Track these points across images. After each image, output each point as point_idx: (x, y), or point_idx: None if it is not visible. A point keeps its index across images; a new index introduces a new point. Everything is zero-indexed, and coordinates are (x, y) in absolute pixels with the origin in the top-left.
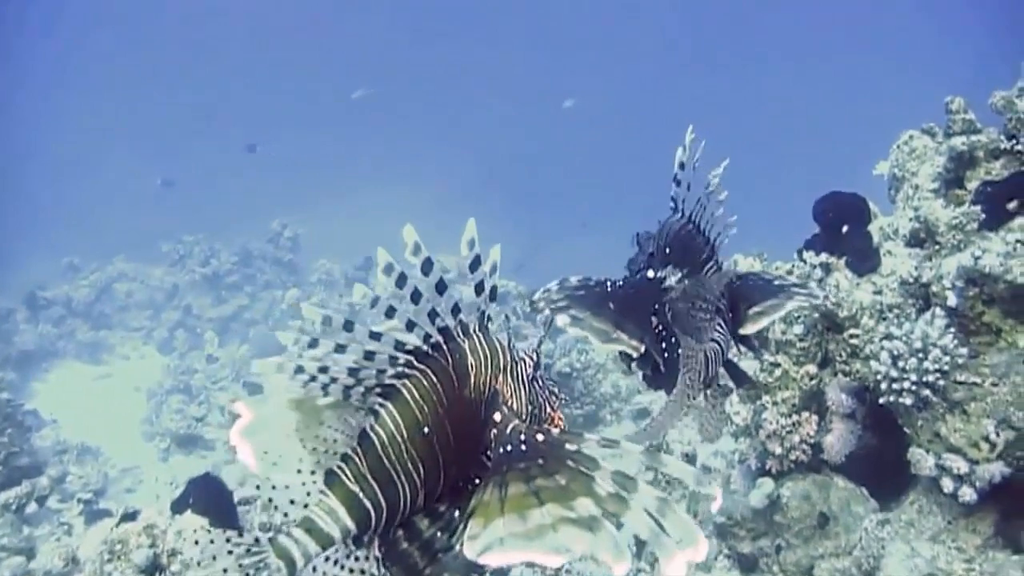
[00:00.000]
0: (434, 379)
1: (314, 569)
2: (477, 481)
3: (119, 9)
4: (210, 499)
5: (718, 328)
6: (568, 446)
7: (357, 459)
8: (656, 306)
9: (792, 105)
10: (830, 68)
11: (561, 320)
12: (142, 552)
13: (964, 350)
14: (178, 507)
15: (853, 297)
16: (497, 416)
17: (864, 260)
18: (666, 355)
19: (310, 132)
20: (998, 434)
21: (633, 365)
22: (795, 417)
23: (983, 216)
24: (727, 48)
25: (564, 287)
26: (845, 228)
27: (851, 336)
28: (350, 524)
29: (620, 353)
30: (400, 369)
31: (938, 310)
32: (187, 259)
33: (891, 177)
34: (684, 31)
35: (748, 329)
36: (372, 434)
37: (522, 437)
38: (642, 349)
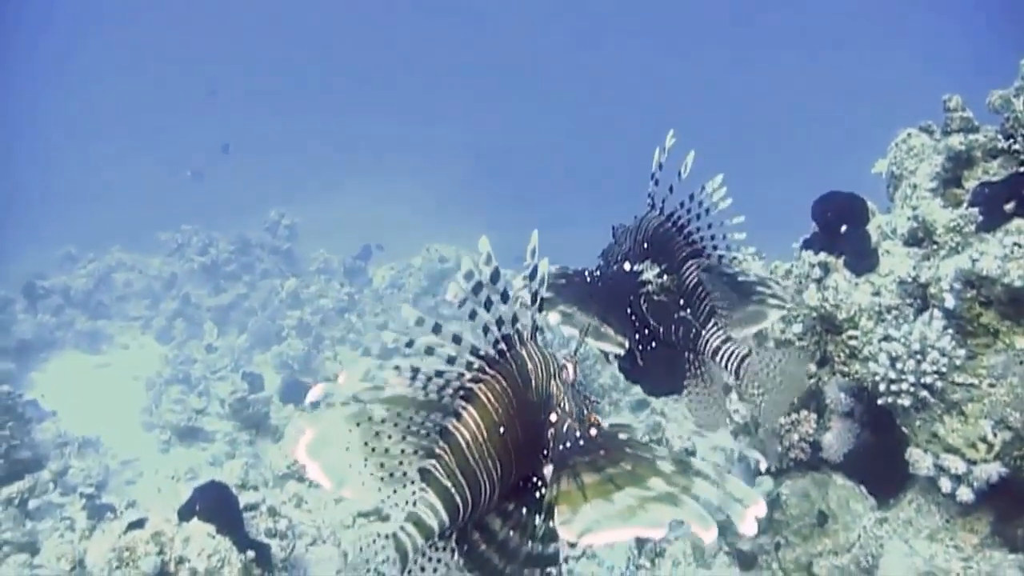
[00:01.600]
0: (504, 383)
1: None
2: (534, 479)
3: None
4: (216, 506)
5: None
6: (621, 436)
7: (447, 457)
8: (632, 298)
9: (790, 101)
10: (828, 64)
11: (552, 318)
12: (150, 560)
13: (962, 352)
14: (185, 514)
15: (852, 299)
16: (553, 417)
17: (862, 260)
18: (643, 348)
19: (306, 121)
20: (995, 435)
21: (611, 357)
22: (794, 416)
23: (980, 218)
24: (726, 43)
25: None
26: (844, 228)
27: (849, 338)
28: (445, 518)
29: None
30: (476, 373)
31: (936, 312)
32: (185, 248)
33: (889, 175)
34: (684, 23)
35: (735, 334)
36: (457, 434)
37: (578, 434)
38: (627, 345)
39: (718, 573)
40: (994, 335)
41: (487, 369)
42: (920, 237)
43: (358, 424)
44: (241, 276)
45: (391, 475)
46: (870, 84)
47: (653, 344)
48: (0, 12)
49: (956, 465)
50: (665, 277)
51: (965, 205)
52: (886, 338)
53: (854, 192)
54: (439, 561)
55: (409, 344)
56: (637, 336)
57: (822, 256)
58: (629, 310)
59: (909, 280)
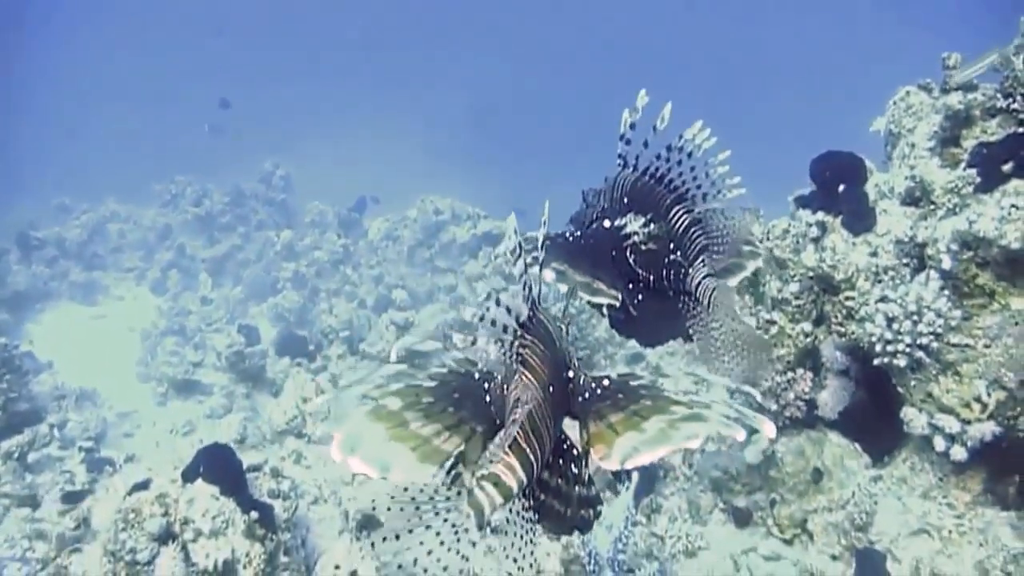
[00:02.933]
0: (542, 346)
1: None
2: (560, 435)
3: None
4: (220, 467)
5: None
6: (631, 382)
7: (526, 422)
8: (616, 254)
9: (789, 57)
10: (825, 20)
11: (548, 276)
12: (155, 521)
13: (957, 312)
14: (189, 476)
15: (849, 259)
16: (571, 373)
17: (860, 219)
18: (633, 301)
19: (302, 73)
20: (990, 394)
21: (604, 309)
22: (790, 374)
23: (978, 179)
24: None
25: (528, 241)
26: (842, 187)
27: (847, 298)
28: (523, 477)
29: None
30: (521, 339)
31: (932, 273)
32: (179, 199)
33: (887, 133)
34: None
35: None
36: (527, 400)
37: (593, 384)
38: (620, 299)
39: (714, 529)
40: (990, 296)
41: (526, 335)
42: (917, 196)
43: (380, 417)
44: (236, 227)
45: (428, 456)
46: (868, 41)
47: (641, 297)
48: None
49: (950, 424)
50: (652, 226)
51: (963, 166)
52: (883, 299)
53: (853, 152)
54: (528, 520)
55: (483, 317)
56: (626, 291)
57: (820, 215)
58: (615, 266)
59: (906, 240)
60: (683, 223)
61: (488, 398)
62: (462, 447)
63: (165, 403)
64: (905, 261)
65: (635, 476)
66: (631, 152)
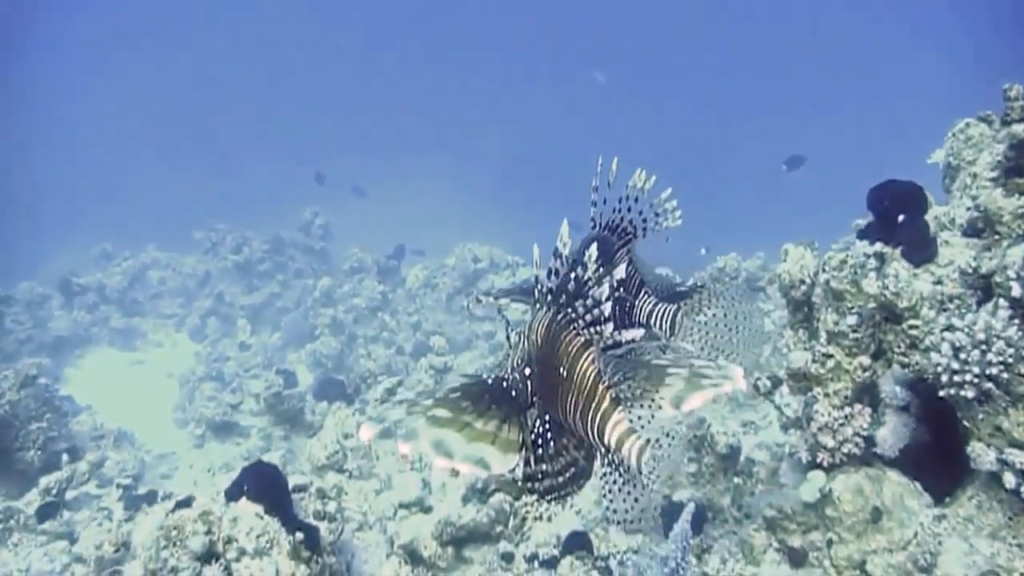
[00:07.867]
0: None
1: None
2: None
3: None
4: (264, 486)
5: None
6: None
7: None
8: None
9: (842, 91)
10: (881, 59)
11: (515, 306)
12: (198, 539)
13: None
14: (232, 494)
15: (913, 287)
16: None
17: (921, 250)
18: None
19: (340, 124)
20: None
21: None
22: (848, 409)
23: None
24: (759, 44)
25: (501, 290)
26: (901, 217)
27: (910, 327)
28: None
29: None
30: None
31: (1001, 301)
32: (219, 247)
33: (946, 166)
34: (717, 20)
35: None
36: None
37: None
38: None
39: (768, 570)
40: None
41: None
42: (980, 227)
43: (443, 425)
44: (274, 275)
45: (506, 447)
46: (922, 74)
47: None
48: (38, 13)
49: (1021, 460)
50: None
51: None
52: (949, 328)
53: (913, 180)
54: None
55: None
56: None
57: (878, 246)
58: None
59: (970, 271)
60: (624, 263)
61: (513, 392)
62: (522, 434)
63: (202, 445)
64: (970, 292)
65: (691, 506)
66: (597, 213)
